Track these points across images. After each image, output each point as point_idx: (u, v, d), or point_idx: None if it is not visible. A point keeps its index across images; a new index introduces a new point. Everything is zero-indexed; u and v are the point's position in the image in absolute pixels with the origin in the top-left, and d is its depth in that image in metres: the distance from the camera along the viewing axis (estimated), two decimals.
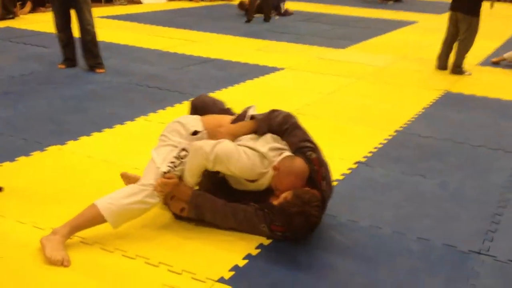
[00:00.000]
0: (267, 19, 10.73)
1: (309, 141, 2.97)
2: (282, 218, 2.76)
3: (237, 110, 4.94)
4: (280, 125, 2.97)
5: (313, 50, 8.28)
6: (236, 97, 5.58)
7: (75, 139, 4.23)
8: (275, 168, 2.85)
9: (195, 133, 2.92)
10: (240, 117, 3.10)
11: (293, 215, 2.71)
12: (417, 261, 2.80)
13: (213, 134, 2.96)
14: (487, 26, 10.18)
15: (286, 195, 2.77)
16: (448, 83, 6.58)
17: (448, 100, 5.89)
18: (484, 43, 9.08)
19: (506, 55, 7.79)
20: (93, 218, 2.74)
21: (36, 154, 3.91)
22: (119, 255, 2.70)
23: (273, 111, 3.04)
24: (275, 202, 2.82)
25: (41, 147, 4.03)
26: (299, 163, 2.85)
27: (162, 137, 2.99)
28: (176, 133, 2.94)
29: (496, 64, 7.79)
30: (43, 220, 2.97)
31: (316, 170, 2.88)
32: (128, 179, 3.22)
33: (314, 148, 2.95)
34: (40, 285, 2.47)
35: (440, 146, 4.49)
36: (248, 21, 10.47)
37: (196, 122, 3.01)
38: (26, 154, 3.90)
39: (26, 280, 2.49)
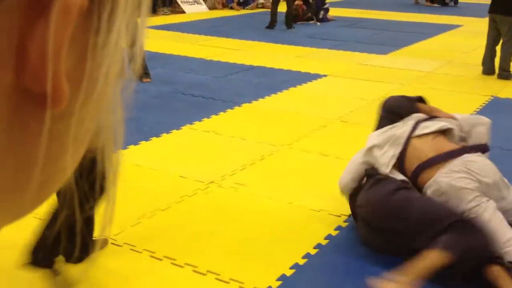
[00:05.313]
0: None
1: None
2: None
3: (284, 118, 4.91)
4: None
5: (355, 56, 8.23)
6: (280, 105, 5.61)
7: (123, 147, 4.31)
8: None
9: None
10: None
11: None
12: None
13: None
14: None
15: None
16: (496, 88, 6.45)
17: (496, 106, 5.77)
18: None
19: None
20: None
21: None
22: (168, 263, 2.75)
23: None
24: None
25: None
26: None
27: (465, 175, 3.03)
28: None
29: None
30: None
31: None
32: None
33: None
34: None
35: (488, 154, 4.39)
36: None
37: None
38: None
39: None
